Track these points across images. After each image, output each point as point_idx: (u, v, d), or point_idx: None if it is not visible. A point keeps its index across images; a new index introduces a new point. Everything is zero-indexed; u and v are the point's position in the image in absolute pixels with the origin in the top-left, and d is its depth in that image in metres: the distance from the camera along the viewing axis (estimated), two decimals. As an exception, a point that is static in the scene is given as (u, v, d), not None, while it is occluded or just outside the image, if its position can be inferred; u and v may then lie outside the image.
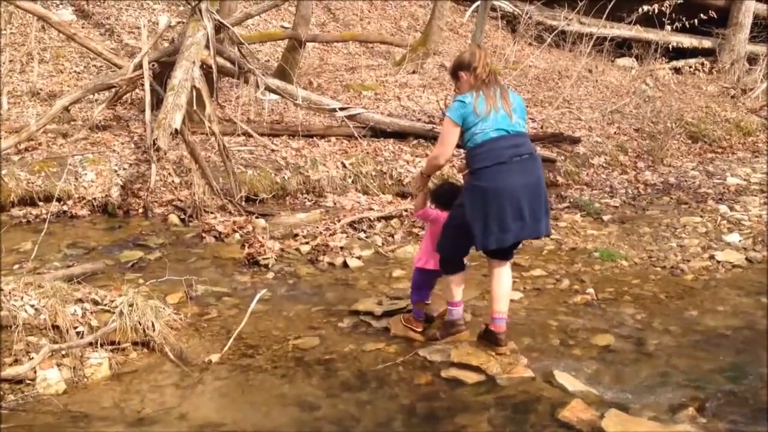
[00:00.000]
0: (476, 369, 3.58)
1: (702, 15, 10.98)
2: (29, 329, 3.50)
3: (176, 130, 5.83)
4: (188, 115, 6.31)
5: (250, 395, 3.40)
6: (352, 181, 7.27)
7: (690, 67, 13.37)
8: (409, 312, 4.11)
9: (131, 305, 3.73)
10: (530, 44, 12.76)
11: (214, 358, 3.72)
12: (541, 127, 9.26)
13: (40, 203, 6.19)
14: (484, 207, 3.45)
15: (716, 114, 11.33)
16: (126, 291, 3.87)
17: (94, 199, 6.34)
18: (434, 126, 8.08)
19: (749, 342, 4.02)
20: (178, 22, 9.64)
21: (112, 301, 3.79)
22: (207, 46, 6.88)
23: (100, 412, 3.23)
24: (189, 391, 3.43)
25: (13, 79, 8.43)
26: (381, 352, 3.82)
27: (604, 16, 11.01)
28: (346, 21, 12.52)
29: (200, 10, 6.99)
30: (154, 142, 5.65)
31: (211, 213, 6.20)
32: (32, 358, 3.39)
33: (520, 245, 4.07)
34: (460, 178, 4.24)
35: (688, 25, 10.94)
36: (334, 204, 6.86)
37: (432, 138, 7.78)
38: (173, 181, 6.71)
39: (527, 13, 12.64)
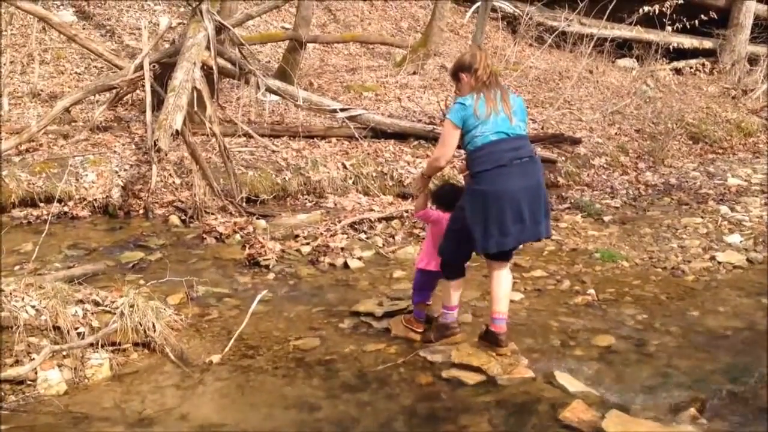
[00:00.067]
0: (477, 370, 3.58)
1: (702, 16, 10.98)
2: (30, 330, 3.51)
3: (177, 131, 5.83)
4: (189, 116, 6.31)
5: (250, 396, 3.40)
6: (353, 182, 7.27)
7: (691, 67, 13.37)
8: (410, 313, 4.11)
9: (132, 306, 3.74)
10: (531, 45, 12.76)
11: (215, 358, 3.72)
12: (542, 128, 9.26)
13: (41, 204, 6.19)
14: (484, 210, 3.45)
15: (717, 115, 11.33)
16: (127, 292, 3.87)
17: (95, 200, 6.34)
18: (435, 127, 8.08)
19: (750, 343, 4.02)
20: (179, 24, 9.64)
21: (113, 302, 3.79)
22: (208, 47, 6.88)
23: (100, 413, 3.23)
24: (190, 392, 3.44)
25: (14, 80, 8.44)
26: (382, 353, 3.82)
27: (605, 16, 11.01)
28: (347, 22, 12.52)
29: (201, 12, 7.00)
30: (154, 143, 5.66)
31: (212, 214, 6.21)
32: (33, 358, 3.39)
33: (520, 246, 4.07)
34: (460, 179, 4.24)
35: (688, 26, 10.94)
36: (335, 205, 6.86)
37: (433, 139, 7.78)
38: (174, 182, 6.71)
39: (528, 14, 12.64)
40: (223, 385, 3.51)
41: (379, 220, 6.23)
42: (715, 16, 11.39)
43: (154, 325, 3.74)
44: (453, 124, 3.55)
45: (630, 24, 11.60)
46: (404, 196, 7.13)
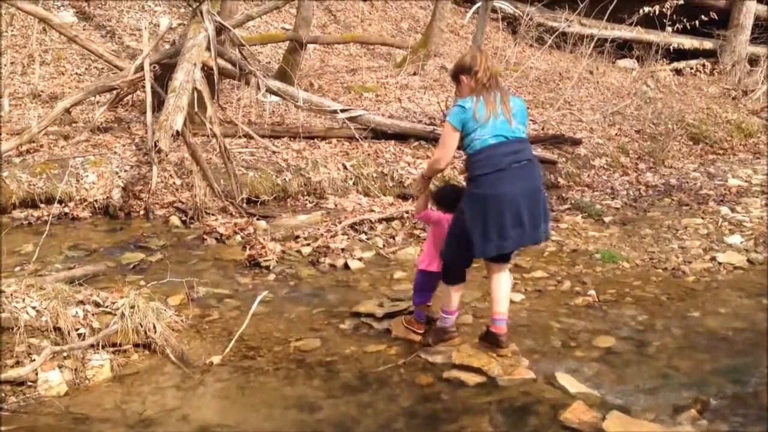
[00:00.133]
0: (477, 370, 3.58)
1: (703, 16, 10.97)
2: (31, 331, 3.51)
3: (177, 131, 5.83)
4: (189, 117, 6.31)
5: (251, 397, 3.40)
6: (353, 183, 7.26)
7: (691, 68, 13.36)
8: (411, 314, 4.11)
9: (133, 307, 3.74)
10: (531, 46, 12.75)
11: (216, 359, 3.72)
12: (542, 129, 9.26)
13: (42, 205, 6.19)
14: (483, 214, 3.46)
15: (717, 115, 11.32)
16: (127, 293, 3.88)
17: (96, 201, 6.34)
18: (435, 128, 8.08)
19: (750, 343, 4.02)
20: (179, 24, 9.65)
21: (114, 303, 3.79)
22: (208, 48, 6.88)
23: (101, 414, 3.23)
24: (190, 393, 3.44)
25: (14, 81, 8.44)
26: (382, 354, 3.82)
27: (605, 17, 11.00)
28: (347, 23, 12.53)
29: (201, 12, 7.00)
30: (155, 143, 5.66)
31: (213, 215, 6.21)
32: (34, 359, 3.39)
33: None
34: (461, 180, 4.24)
35: (689, 27, 10.93)
36: (335, 206, 6.86)
37: (433, 140, 7.77)
38: (174, 183, 6.71)
39: (528, 15, 12.64)
40: (223, 386, 3.51)
41: (380, 221, 6.23)
42: (716, 17, 11.37)
43: (154, 326, 3.74)
44: (452, 127, 3.55)
45: (630, 25, 11.58)
46: (405, 197, 7.12)
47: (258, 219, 6.21)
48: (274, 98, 8.17)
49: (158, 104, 6.79)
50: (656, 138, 9.61)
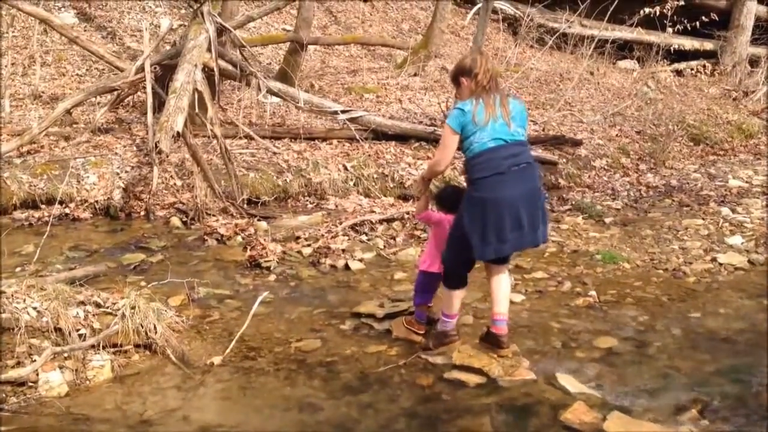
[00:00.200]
0: (478, 371, 3.58)
1: (703, 17, 10.97)
2: (31, 332, 3.51)
3: (178, 132, 5.84)
4: (190, 118, 6.31)
5: (252, 397, 3.40)
6: (354, 184, 7.27)
7: (691, 69, 13.37)
8: (411, 314, 4.11)
9: (133, 308, 3.74)
10: (532, 47, 12.76)
11: (216, 360, 3.72)
12: (543, 130, 9.27)
13: (42, 206, 6.20)
14: (483, 217, 3.46)
15: (718, 116, 11.32)
16: (128, 293, 3.88)
17: (96, 201, 6.34)
18: (436, 128, 8.08)
19: (751, 344, 4.02)
20: (180, 25, 9.66)
21: (115, 304, 3.80)
22: (209, 49, 6.89)
23: (102, 415, 3.23)
24: (191, 394, 3.44)
25: (15, 82, 8.45)
26: (383, 355, 3.82)
27: (606, 18, 11.01)
28: (348, 24, 12.54)
29: (202, 13, 7.00)
30: (156, 144, 5.66)
31: (213, 215, 6.21)
32: (34, 360, 3.40)
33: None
34: (462, 181, 4.24)
35: (689, 28, 10.93)
36: (336, 206, 6.86)
37: (434, 140, 7.78)
38: (175, 184, 6.72)
39: (529, 16, 12.65)
40: (224, 387, 3.51)
41: (380, 221, 6.23)
42: (716, 18, 11.38)
43: (155, 327, 3.74)
44: (452, 130, 3.56)
45: (631, 26, 11.59)
46: (405, 198, 7.13)
47: (259, 220, 6.21)
48: (275, 99, 8.17)
49: (159, 105, 6.79)
50: (657, 139, 9.62)
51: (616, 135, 9.74)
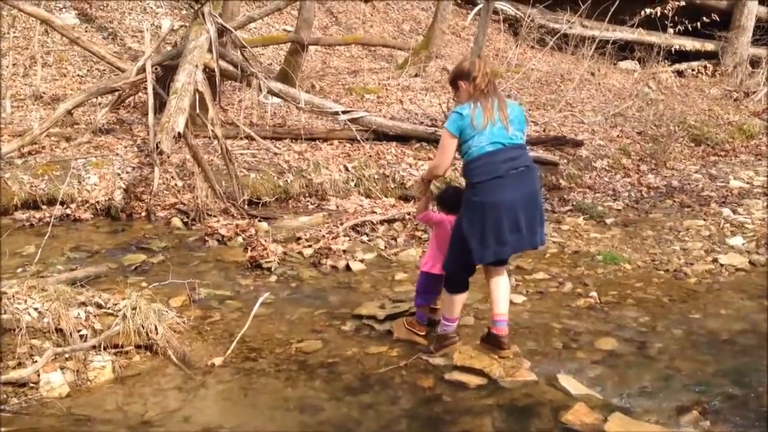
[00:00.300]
0: (479, 372, 3.58)
1: (704, 18, 10.96)
2: (33, 332, 3.51)
3: (179, 133, 5.84)
4: (191, 119, 6.32)
5: (253, 398, 3.41)
6: (355, 185, 7.27)
7: (693, 70, 13.37)
8: (412, 315, 4.11)
9: (134, 308, 3.74)
10: (532, 47, 12.76)
11: (217, 361, 3.72)
12: (544, 131, 9.27)
13: (44, 207, 6.20)
14: (482, 221, 3.48)
15: (719, 117, 11.32)
16: (129, 294, 3.88)
17: (97, 202, 6.34)
18: (437, 129, 8.08)
19: (752, 345, 4.01)
20: (181, 26, 9.66)
21: (116, 305, 3.80)
22: (210, 50, 6.89)
23: (103, 415, 3.23)
24: (192, 395, 3.44)
25: (16, 82, 8.46)
26: (384, 356, 3.82)
27: (607, 19, 11.02)
28: (349, 24, 12.54)
29: (203, 14, 7.01)
30: (157, 145, 5.67)
31: (214, 216, 6.21)
32: (36, 361, 3.39)
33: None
34: (462, 182, 4.24)
35: (690, 28, 10.91)
36: (337, 207, 6.86)
37: (435, 141, 7.76)
38: (176, 185, 6.72)
39: (530, 17, 12.65)
40: (225, 388, 3.51)
41: (381, 222, 6.23)
42: (717, 18, 11.36)
43: (156, 328, 3.74)
44: (450, 134, 3.58)
45: (632, 26, 11.59)
46: (406, 199, 7.13)
47: (259, 220, 6.21)
48: (276, 100, 8.17)
49: (160, 106, 6.80)
50: (658, 140, 9.61)
51: (617, 136, 9.74)
